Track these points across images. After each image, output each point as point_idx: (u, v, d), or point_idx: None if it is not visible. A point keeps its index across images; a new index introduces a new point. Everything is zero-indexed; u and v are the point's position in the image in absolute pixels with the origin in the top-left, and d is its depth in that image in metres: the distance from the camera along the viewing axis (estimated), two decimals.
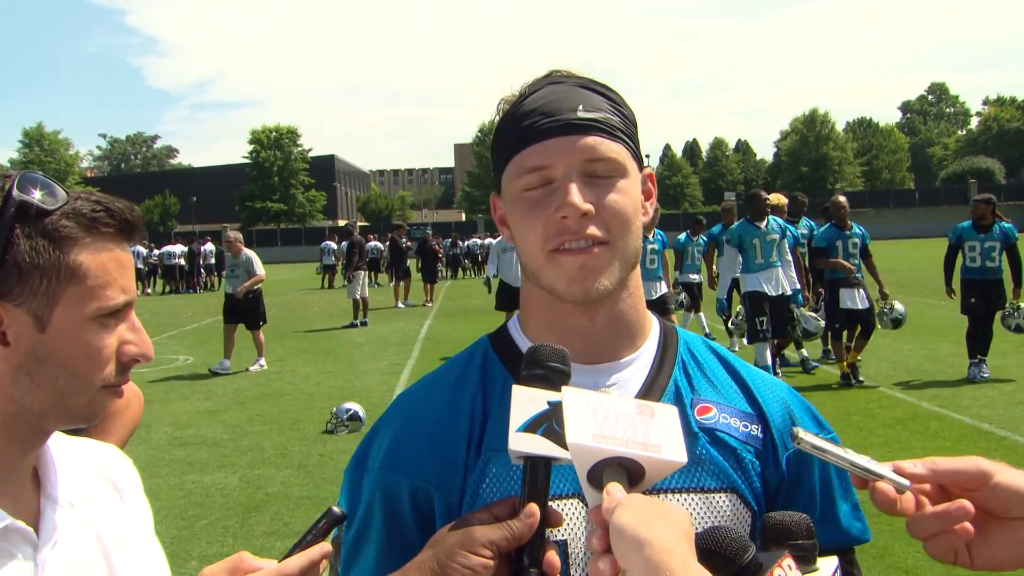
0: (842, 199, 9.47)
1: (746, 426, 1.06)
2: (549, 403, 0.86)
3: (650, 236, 9.90)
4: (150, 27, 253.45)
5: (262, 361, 11.51)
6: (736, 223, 8.99)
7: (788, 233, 8.71)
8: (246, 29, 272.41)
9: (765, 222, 8.50)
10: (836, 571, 0.79)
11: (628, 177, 1.01)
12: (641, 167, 1.07)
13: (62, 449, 1.08)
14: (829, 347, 9.81)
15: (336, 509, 0.96)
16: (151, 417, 8.57)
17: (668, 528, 0.70)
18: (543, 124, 0.99)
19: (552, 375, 0.89)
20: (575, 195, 0.96)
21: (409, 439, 1.05)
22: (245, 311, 11.48)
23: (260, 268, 11.52)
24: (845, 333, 9.04)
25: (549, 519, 0.86)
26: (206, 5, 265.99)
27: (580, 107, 0.99)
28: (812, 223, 10.41)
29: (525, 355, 0.92)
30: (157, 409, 8.97)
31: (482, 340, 1.15)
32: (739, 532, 0.77)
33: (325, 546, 0.94)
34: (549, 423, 0.84)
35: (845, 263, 8.84)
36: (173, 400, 9.48)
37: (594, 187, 0.98)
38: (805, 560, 0.78)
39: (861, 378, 8.73)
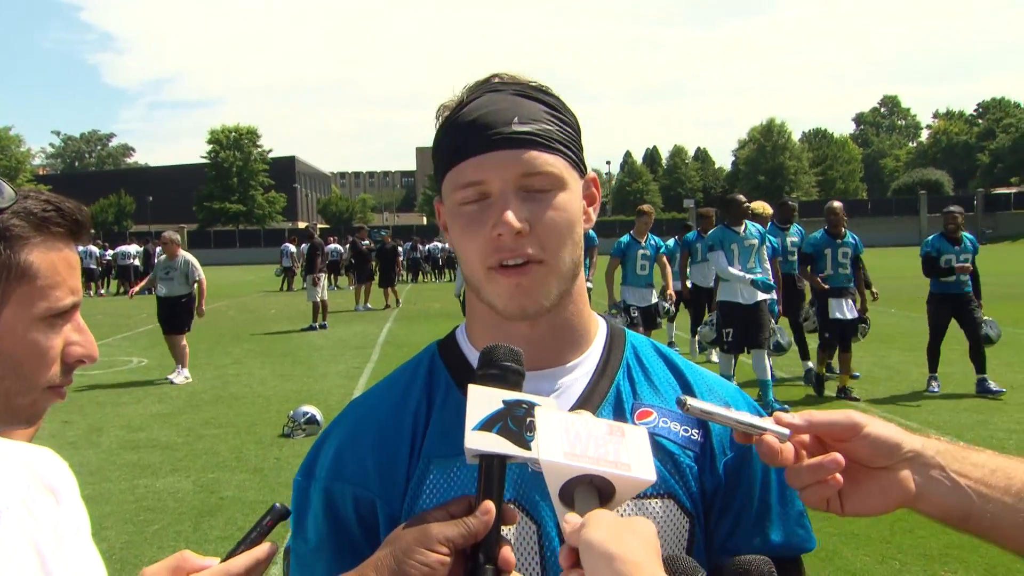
0: (837, 205, 9.01)
1: (686, 430, 1.06)
2: (504, 402, 0.87)
3: (642, 241, 9.78)
4: (106, 23, 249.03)
5: (185, 372, 10.66)
6: (714, 228, 8.61)
7: (767, 241, 8.39)
8: (205, 27, 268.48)
9: (743, 227, 8.16)
10: None
11: (566, 189, 1.01)
12: (583, 173, 1.07)
13: None
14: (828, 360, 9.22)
15: (279, 505, 0.96)
16: (103, 420, 8.40)
17: (637, 542, 0.72)
18: (478, 137, 0.98)
19: (507, 374, 0.90)
20: (510, 214, 0.95)
21: (353, 448, 1.06)
22: (179, 316, 10.78)
23: (201, 272, 10.91)
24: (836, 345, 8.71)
25: (504, 517, 0.87)
26: (164, 1, 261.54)
27: (516, 119, 0.98)
28: (802, 230, 10.02)
29: (480, 355, 0.93)
30: (109, 412, 8.79)
31: (430, 347, 1.15)
32: (690, 560, 0.80)
33: (271, 545, 0.93)
34: (504, 421, 0.86)
35: (814, 278, 8.70)
36: (125, 403, 9.28)
37: (530, 202, 0.98)
38: None
39: (856, 395, 8.45)
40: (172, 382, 10.39)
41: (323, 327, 16.06)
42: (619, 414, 1.04)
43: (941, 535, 4.65)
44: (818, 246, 8.79)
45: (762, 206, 9.35)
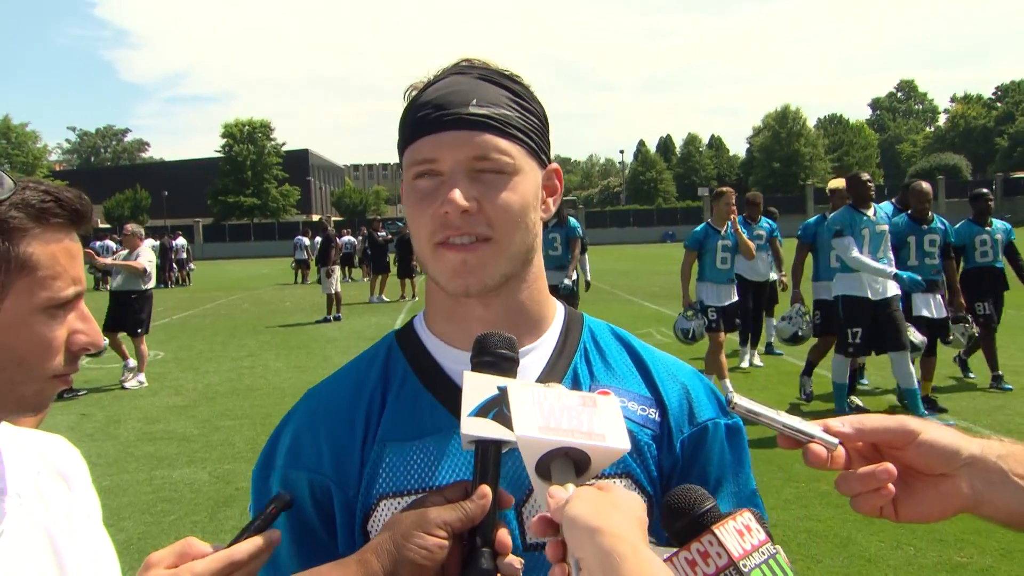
0: (925, 186, 7.62)
1: (644, 409, 1.07)
2: (499, 388, 0.88)
3: (722, 229, 8.07)
4: (121, 19, 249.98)
5: (141, 376, 9.92)
6: (839, 210, 7.15)
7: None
8: (219, 21, 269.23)
9: (872, 210, 6.90)
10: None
11: (520, 174, 1.01)
12: (544, 163, 1.08)
13: (8, 439, 1.07)
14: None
15: (283, 493, 0.97)
16: (120, 412, 8.49)
17: (619, 515, 0.72)
18: (435, 117, 0.99)
19: (501, 362, 0.92)
20: (456, 192, 0.96)
21: (309, 435, 1.07)
22: (129, 314, 9.87)
23: (148, 262, 10.12)
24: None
25: (500, 500, 0.89)
26: None
27: (474, 101, 0.99)
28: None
29: (474, 343, 0.94)
30: (126, 404, 8.88)
31: (389, 335, 1.16)
32: (701, 489, 0.80)
33: (275, 532, 0.95)
34: (499, 408, 0.86)
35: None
36: (142, 395, 9.37)
37: (480, 183, 0.98)
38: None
39: (944, 407, 7.23)
40: (124, 385, 9.77)
41: (337, 319, 16.13)
42: None
43: (956, 521, 4.61)
44: (901, 234, 7.42)
45: (840, 183, 7.92)
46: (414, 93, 1.05)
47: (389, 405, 1.06)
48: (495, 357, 0.92)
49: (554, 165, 1.11)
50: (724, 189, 8.48)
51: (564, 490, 0.78)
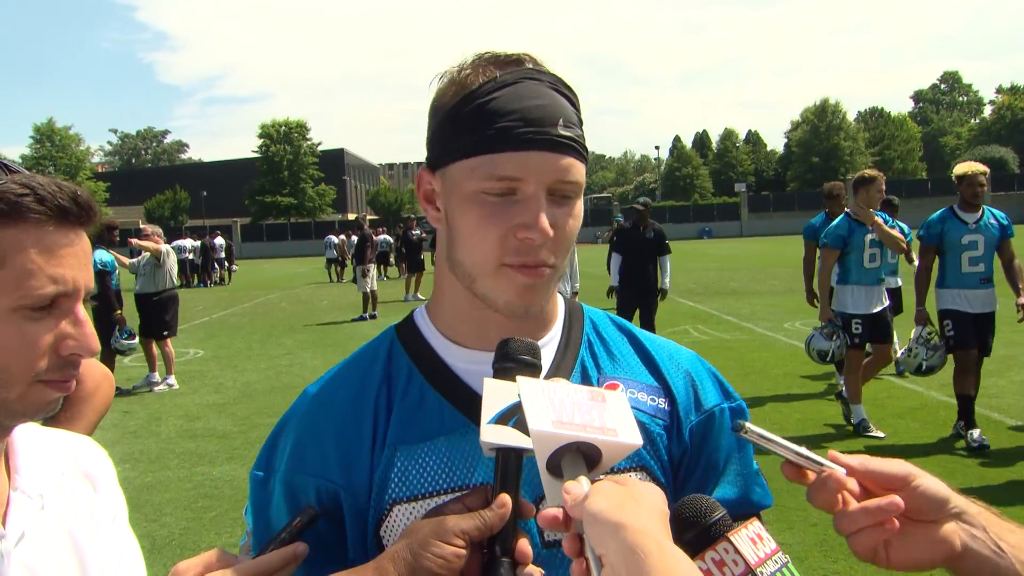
0: (977, 169, 6.27)
1: (653, 399, 1.06)
2: (520, 396, 0.86)
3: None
4: (160, 23, 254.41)
5: (171, 379, 9.79)
6: (936, 213, 6.45)
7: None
8: (255, 23, 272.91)
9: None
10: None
11: (581, 197, 1.00)
12: None
13: (34, 440, 1.05)
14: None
15: (312, 508, 0.96)
16: (161, 410, 8.65)
17: (641, 510, 0.71)
18: (524, 134, 0.93)
19: (523, 369, 0.90)
20: (544, 219, 0.93)
21: (314, 439, 1.03)
22: (152, 316, 9.69)
23: (163, 245, 10.00)
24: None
25: (520, 510, 0.87)
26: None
27: (560, 121, 0.95)
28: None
29: (497, 349, 0.92)
30: (167, 402, 9.05)
31: (388, 331, 1.12)
32: (710, 499, 0.79)
33: (301, 545, 0.93)
34: (520, 414, 0.84)
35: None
36: (183, 393, 9.53)
37: (555, 207, 0.96)
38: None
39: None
40: (152, 389, 9.67)
41: (373, 317, 16.24)
42: None
43: None
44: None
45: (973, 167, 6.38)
46: (472, 86, 0.97)
47: (396, 406, 1.03)
48: (517, 364, 0.90)
49: None
50: (873, 172, 6.80)
51: (579, 485, 0.76)
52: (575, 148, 0.97)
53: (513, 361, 0.91)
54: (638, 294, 9.37)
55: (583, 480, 0.77)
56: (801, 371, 9.09)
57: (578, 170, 0.97)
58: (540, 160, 0.94)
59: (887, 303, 6.76)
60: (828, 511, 0.83)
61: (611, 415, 0.83)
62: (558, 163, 0.95)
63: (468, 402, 0.99)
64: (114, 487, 1.11)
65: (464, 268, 1.00)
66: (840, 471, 0.82)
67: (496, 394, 0.87)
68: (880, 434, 6.49)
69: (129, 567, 1.08)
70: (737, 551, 0.73)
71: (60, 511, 1.01)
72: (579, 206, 1.00)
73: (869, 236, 6.63)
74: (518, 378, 0.86)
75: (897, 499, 0.80)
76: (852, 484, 0.82)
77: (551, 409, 0.81)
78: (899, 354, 6.88)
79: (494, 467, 0.87)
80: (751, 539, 0.75)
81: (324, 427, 1.03)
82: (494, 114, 0.94)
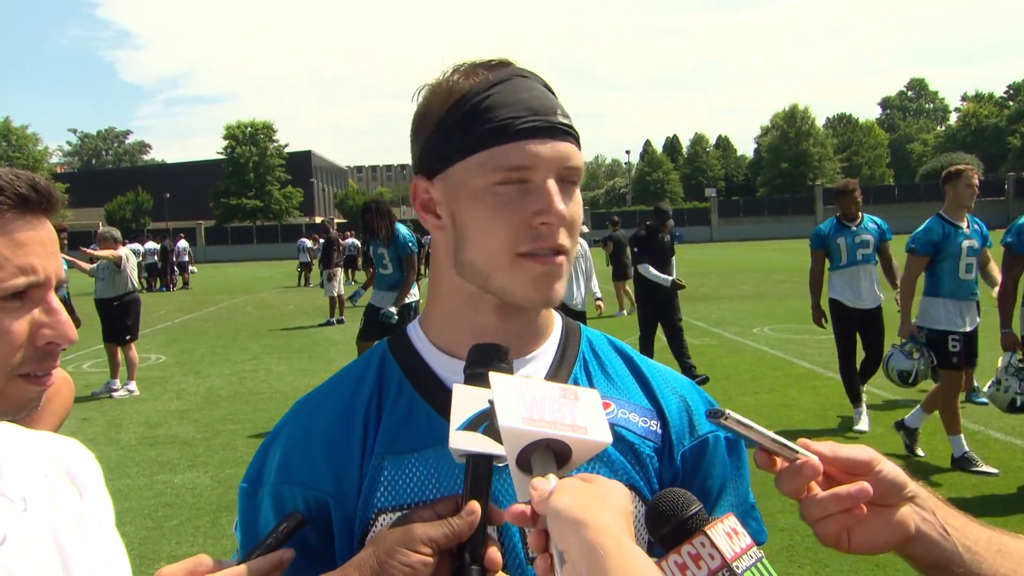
0: (962, 170, 5.84)
1: (645, 421, 1.06)
2: (490, 401, 0.86)
3: (963, 225, 5.85)
4: (123, 20, 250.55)
5: (131, 385, 9.57)
6: None
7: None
8: (221, 21, 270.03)
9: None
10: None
11: (579, 183, 1.02)
12: None
13: (16, 442, 1.02)
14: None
15: (298, 513, 0.95)
16: (122, 417, 8.45)
17: (605, 508, 0.71)
18: (529, 121, 0.95)
19: (495, 371, 0.90)
20: (559, 202, 0.94)
21: (303, 449, 1.03)
22: (111, 324, 9.45)
23: (131, 268, 9.71)
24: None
25: (490, 517, 0.87)
26: None
27: (559, 111, 0.98)
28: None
29: (468, 354, 0.92)
30: (128, 408, 8.85)
31: (381, 344, 1.13)
32: (687, 492, 0.80)
33: (287, 551, 0.92)
34: (491, 421, 0.84)
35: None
36: (144, 399, 9.33)
37: (562, 193, 0.97)
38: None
39: None
40: (111, 395, 9.41)
41: (340, 322, 16.11)
42: None
43: None
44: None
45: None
46: (465, 91, 0.98)
47: (385, 416, 1.03)
48: (486, 368, 0.90)
49: None
50: (962, 167, 5.93)
51: (547, 482, 0.76)
52: (574, 135, 0.99)
53: (483, 366, 0.90)
54: (659, 304, 9.04)
55: (551, 477, 0.77)
56: (769, 376, 9.18)
57: (579, 156, 0.99)
58: (548, 147, 0.95)
59: (979, 320, 6.02)
60: (794, 498, 0.85)
61: (582, 413, 0.83)
62: (563, 149, 0.96)
63: None
64: (101, 490, 1.09)
65: (476, 267, 0.99)
66: (814, 458, 0.83)
67: (465, 400, 0.87)
68: (993, 470, 5.64)
69: (116, 572, 1.06)
70: (713, 545, 0.73)
71: (44, 514, 0.99)
72: (579, 195, 1.01)
73: (967, 242, 5.81)
74: (491, 374, 0.86)
75: (867, 485, 0.82)
76: (820, 472, 0.84)
77: (522, 406, 0.81)
78: (986, 388, 5.92)
79: (464, 474, 0.87)
80: (727, 533, 0.75)
81: (313, 436, 1.03)
82: (493, 109, 0.96)
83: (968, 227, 5.91)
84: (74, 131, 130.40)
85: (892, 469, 0.85)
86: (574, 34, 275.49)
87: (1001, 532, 0.90)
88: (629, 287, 14.38)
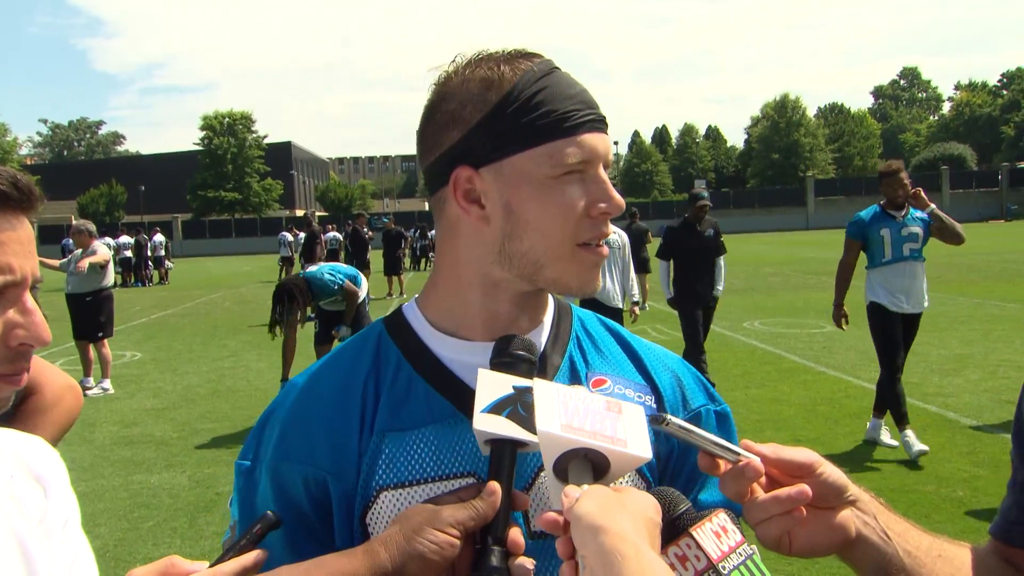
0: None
1: (640, 396, 1.07)
2: (515, 387, 0.89)
3: None
4: (95, 7, 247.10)
5: (105, 383, 9.33)
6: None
7: None
8: (197, 10, 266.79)
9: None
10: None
11: None
12: None
13: None
14: None
15: (271, 514, 0.94)
16: (95, 415, 8.23)
17: (626, 516, 0.72)
18: (586, 116, 0.99)
19: (518, 363, 0.94)
20: (615, 193, 0.99)
21: (300, 427, 1.03)
22: (87, 317, 9.17)
23: (104, 251, 9.36)
24: None
25: (514, 501, 0.89)
26: None
27: (597, 104, 1.02)
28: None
29: (495, 344, 0.97)
30: (102, 407, 8.63)
31: (377, 323, 1.13)
32: (675, 491, 0.82)
33: (261, 552, 0.92)
34: (514, 406, 0.88)
35: None
36: (118, 398, 9.11)
37: None
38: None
39: None
40: (85, 394, 9.09)
41: None
42: (575, 382, 1.06)
43: (951, 521, 4.50)
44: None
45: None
46: (515, 82, 0.98)
47: (384, 394, 1.03)
48: (513, 359, 0.94)
49: None
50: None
51: (579, 490, 0.77)
52: (607, 127, 1.04)
53: (509, 356, 0.94)
54: (700, 302, 7.65)
55: (584, 486, 0.78)
56: (759, 371, 9.13)
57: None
58: (600, 140, 1.00)
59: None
60: (738, 501, 0.85)
61: (624, 426, 0.84)
62: (608, 142, 1.02)
63: (456, 392, 1.01)
64: (66, 490, 1.06)
65: (531, 257, 1.00)
66: (755, 459, 0.84)
67: (490, 384, 0.89)
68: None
69: (81, 572, 1.03)
70: (699, 546, 0.74)
71: (6, 513, 0.96)
72: None
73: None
74: (535, 380, 0.88)
75: (806, 487, 0.83)
76: (762, 475, 0.85)
77: (563, 413, 0.82)
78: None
79: (489, 460, 0.89)
80: (715, 532, 0.75)
81: (311, 414, 1.04)
82: (550, 101, 0.98)
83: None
84: (45, 121, 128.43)
85: (833, 472, 0.86)
86: (562, 22, 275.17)
87: (943, 539, 0.92)
88: (647, 281, 14.37)
